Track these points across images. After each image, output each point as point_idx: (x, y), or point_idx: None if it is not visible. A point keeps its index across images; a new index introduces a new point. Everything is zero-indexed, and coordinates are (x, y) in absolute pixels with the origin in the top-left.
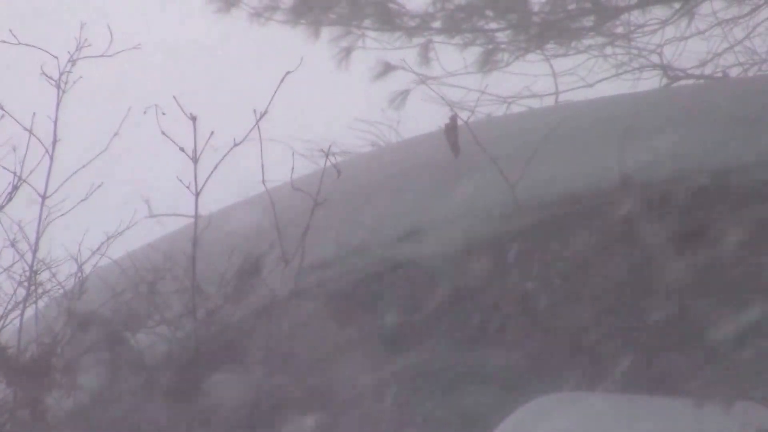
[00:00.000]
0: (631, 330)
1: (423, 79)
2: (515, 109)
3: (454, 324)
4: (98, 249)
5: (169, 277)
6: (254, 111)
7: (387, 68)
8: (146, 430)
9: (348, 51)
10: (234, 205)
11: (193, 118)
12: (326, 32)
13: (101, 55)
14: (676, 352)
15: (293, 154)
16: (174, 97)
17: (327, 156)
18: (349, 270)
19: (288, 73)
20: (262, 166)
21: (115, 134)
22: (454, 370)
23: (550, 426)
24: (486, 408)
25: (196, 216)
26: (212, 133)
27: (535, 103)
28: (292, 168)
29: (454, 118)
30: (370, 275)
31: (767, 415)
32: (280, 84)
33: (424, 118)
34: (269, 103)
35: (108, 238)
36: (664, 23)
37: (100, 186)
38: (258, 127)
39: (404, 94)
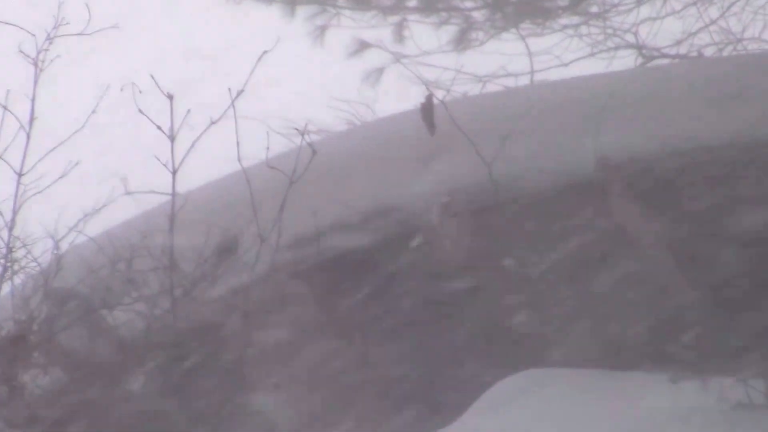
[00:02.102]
0: (607, 307)
1: (398, 58)
2: (491, 88)
3: (431, 300)
4: (75, 226)
5: (146, 254)
6: (229, 90)
7: (362, 46)
8: (123, 406)
9: (323, 29)
10: (211, 182)
11: (170, 97)
12: (302, 10)
13: (79, 34)
14: (653, 328)
15: (269, 132)
16: (151, 75)
17: (302, 134)
18: (325, 247)
19: (265, 52)
20: (238, 144)
21: (93, 112)
22: (432, 346)
23: (526, 402)
24: (462, 383)
25: (174, 194)
26: (189, 111)
27: (510, 82)
28: (268, 146)
29: (429, 97)
30: (345, 252)
31: (743, 390)
32: (257, 63)
33: (399, 97)
34: (246, 81)
35: (85, 216)
36: (638, 2)
37: (77, 164)
38: (234, 105)
39: (379, 72)
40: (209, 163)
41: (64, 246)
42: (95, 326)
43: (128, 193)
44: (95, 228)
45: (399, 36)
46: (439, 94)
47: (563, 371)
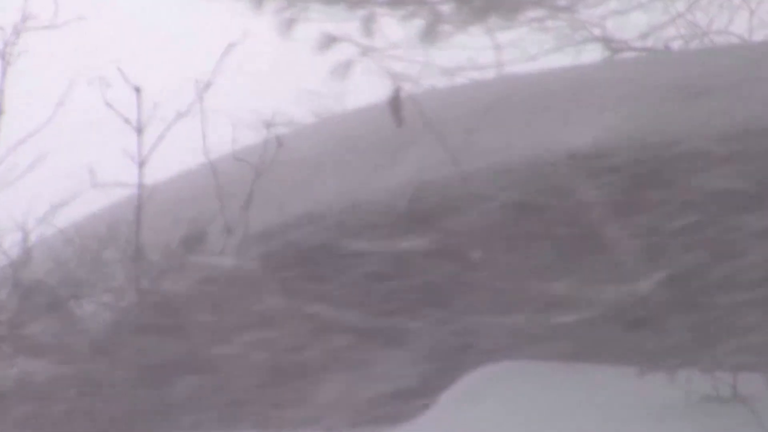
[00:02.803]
0: (575, 301)
1: (366, 51)
2: (458, 80)
3: (398, 294)
4: (44, 218)
5: (113, 246)
6: (196, 82)
7: (330, 40)
8: (91, 397)
9: (291, 22)
10: (179, 174)
11: (137, 90)
12: (270, 4)
13: (46, 27)
14: (620, 321)
15: (235, 125)
16: (118, 68)
17: (269, 127)
18: (292, 240)
19: (231, 44)
20: (204, 137)
21: (60, 104)
22: (399, 339)
23: (496, 394)
24: (432, 375)
25: (140, 186)
26: (155, 104)
27: (477, 75)
28: (233, 139)
29: (397, 90)
30: (313, 246)
31: (710, 383)
32: (223, 55)
33: (368, 90)
34: (212, 74)
35: (53, 208)
36: None
37: (45, 156)
38: (201, 97)
39: (347, 65)
40: (179, 155)
41: (33, 238)
42: (64, 318)
43: (96, 185)
44: (64, 220)
45: (367, 29)
46: (407, 87)
47: (532, 364)
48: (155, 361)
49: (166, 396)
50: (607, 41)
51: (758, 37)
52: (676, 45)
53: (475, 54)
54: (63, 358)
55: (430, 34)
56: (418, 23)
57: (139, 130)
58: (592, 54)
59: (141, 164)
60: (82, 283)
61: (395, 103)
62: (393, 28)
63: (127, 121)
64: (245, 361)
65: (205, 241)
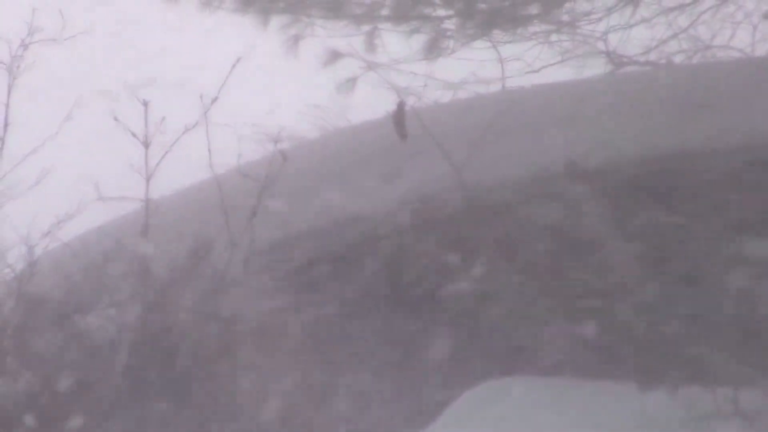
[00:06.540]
0: (575, 314)
1: (371, 66)
2: (462, 95)
3: (402, 307)
4: (49, 232)
5: (119, 260)
6: (202, 97)
7: (335, 55)
8: (96, 411)
9: (297, 38)
10: (185, 189)
11: (145, 104)
12: (275, 20)
13: (53, 40)
14: (621, 337)
15: (241, 139)
16: (125, 83)
17: (275, 142)
18: (297, 254)
19: (239, 59)
20: (210, 151)
21: (67, 118)
22: (401, 354)
23: (493, 411)
24: (431, 391)
25: (147, 200)
26: (163, 118)
27: (481, 90)
28: (239, 153)
29: (401, 104)
30: (317, 259)
31: (710, 400)
32: (231, 70)
33: (372, 105)
34: (220, 89)
35: (59, 221)
36: (609, 11)
37: (51, 170)
38: (207, 112)
39: (352, 80)
40: (185, 170)
41: (38, 251)
42: (69, 331)
43: (101, 199)
44: (69, 234)
45: (371, 45)
46: (411, 102)
47: (529, 380)
48: (161, 374)
49: (171, 410)
50: (610, 56)
51: (760, 52)
52: (679, 59)
53: (479, 68)
54: (68, 372)
55: (433, 49)
56: (421, 38)
57: (146, 144)
58: (596, 68)
59: (148, 178)
60: (87, 297)
61: (399, 118)
62: (397, 43)
63: (134, 135)
64: (251, 374)
65: (211, 254)
